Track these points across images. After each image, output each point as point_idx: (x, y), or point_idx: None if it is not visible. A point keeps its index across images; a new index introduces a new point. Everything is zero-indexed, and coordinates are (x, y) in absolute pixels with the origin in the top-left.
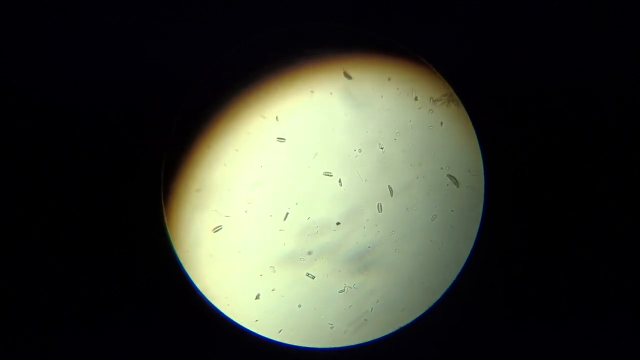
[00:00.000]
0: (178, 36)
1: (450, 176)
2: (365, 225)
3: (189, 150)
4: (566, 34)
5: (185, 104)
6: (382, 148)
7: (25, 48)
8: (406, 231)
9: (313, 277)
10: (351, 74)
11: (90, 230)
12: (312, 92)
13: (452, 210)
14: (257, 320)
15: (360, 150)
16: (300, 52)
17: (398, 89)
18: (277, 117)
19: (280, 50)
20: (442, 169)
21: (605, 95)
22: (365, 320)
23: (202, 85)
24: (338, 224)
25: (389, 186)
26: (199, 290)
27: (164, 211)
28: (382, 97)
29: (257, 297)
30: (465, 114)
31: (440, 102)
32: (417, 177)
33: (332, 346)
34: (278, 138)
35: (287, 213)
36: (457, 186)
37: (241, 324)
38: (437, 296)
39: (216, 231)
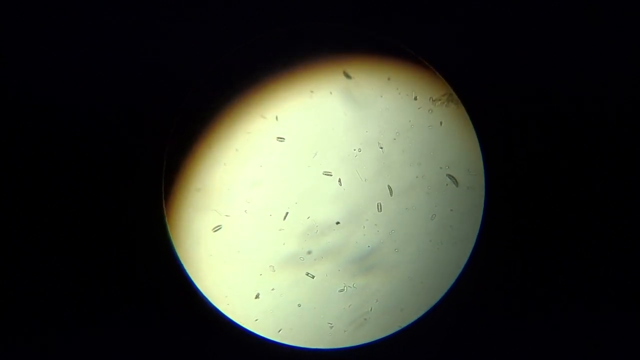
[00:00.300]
0: (178, 36)
1: (450, 176)
2: (365, 225)
3: (189, 150)
4: (566, 34)
5: (185, 104)
6: (381, 148)
7: (25, 48)
8: (406, 231)
9: (313, 277)
10: (351, 74)
11: (91, 230)
12: (312, 92)
13: (451, 210)
14: (256, 320)
15: (360, 150)
16: (300, 52)
17: (398, 89)
18: (277, 117)
19: (280, 50)
20: (441, 168)
21: (605, 95)
22: (365, 319)
23: (202, 85)
24: (338, 223)
25: (388, 186)
26: (198, 290)
27: (164, 211)
28: (381, 97)
29: (257, 297)
30: (465, 114)
31: (440, 102)
32: (417, 177)
33: (332, 346)
34: (278, 138)
35: (287, 213)
36: (457, 186)
37: (241, 323)
38: (437, 296)
39: (216, 231)
